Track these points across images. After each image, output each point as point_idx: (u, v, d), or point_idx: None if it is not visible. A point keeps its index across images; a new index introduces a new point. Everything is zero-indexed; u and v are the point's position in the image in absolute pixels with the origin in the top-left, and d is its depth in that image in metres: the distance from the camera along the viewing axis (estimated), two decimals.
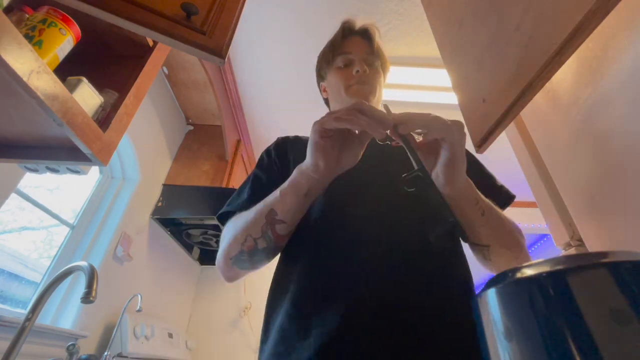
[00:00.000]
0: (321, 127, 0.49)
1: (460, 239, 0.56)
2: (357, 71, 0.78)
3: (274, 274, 0.65)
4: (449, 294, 0.55)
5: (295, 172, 0.56)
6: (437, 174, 0.51)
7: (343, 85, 0.80)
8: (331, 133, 0.50)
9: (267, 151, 0.79)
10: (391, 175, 0.59)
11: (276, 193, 0.57)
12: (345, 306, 0.51)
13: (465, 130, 0.51)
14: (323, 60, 0.87)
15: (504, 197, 0.73)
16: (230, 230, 0.63)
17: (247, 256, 0.59)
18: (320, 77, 0.91)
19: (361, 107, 0.47)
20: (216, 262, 0.66)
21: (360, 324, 0.50)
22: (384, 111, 0.51)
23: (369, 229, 0.59)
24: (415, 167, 0.47)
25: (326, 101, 0.94)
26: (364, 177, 0.64)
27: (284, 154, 0.76)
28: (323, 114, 0.51)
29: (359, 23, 0.86)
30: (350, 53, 0.82)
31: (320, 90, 0.94)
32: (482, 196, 0.58)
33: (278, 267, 0.65)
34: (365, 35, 0.84)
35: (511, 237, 0.61)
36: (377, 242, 0.57)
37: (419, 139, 0.53)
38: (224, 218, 0.69)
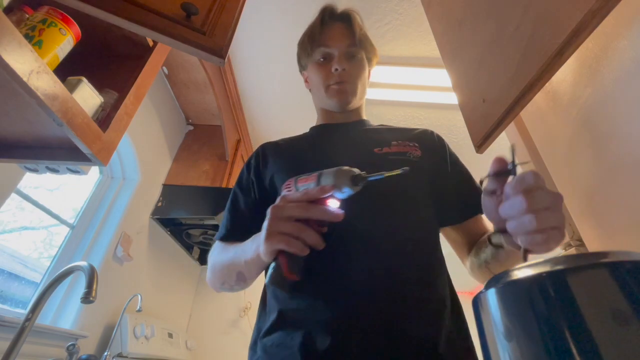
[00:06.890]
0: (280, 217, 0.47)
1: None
2: (336, 69, 0.74)
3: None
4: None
5: (254, 249, 0.53)
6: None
7: (322, 84, 0.77)
8: None
9: (247, 165, 0.77)
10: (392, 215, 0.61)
11: (240, 259, 0.57)
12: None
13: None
14: (302, 50, 0.82)
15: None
16: (213, 258, 0.69)
17: (228, 290, 0.67)
18: (301, 66, 0.86)
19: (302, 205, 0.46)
20: (207, 278, 0.71)
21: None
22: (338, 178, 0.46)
23: (359, 263, 0.57)
24: None
25: (310, 90, 0.89)
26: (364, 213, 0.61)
27: (263, 167, 0.74)
28: None
29: (339, 8, 0.79)
30: (329, 46, 0.76)
31: (304, 79, 0.89)
32: None
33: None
34: (347, 21, 0.78)
35: None
36: (365, 274, 0.56)
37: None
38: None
